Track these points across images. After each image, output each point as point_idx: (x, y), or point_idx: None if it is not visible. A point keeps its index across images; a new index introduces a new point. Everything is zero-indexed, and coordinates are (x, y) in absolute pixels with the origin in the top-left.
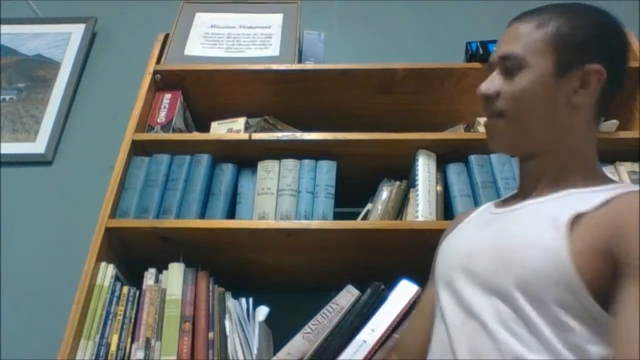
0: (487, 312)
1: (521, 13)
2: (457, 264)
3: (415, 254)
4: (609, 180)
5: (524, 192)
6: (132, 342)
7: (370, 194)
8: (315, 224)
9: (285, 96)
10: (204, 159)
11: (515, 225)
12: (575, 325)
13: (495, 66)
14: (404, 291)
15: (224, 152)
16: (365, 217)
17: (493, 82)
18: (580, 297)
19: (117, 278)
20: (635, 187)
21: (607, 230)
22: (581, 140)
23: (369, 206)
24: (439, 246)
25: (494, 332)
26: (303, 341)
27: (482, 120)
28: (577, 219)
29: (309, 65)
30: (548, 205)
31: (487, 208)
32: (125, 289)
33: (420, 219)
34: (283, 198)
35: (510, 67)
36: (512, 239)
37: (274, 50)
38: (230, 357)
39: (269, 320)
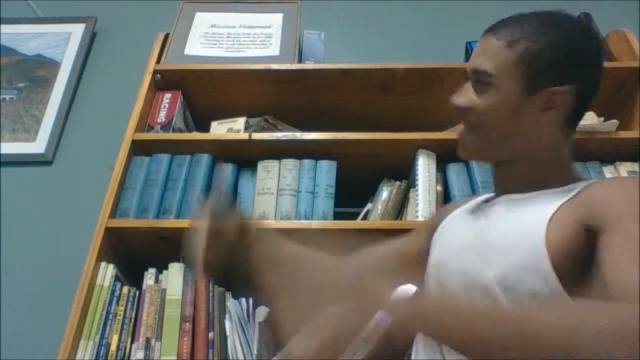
0: None
1: (498, 22)
2: (447, 256)
3: None
4: (573, 173)
5: (502, 192)
6: (132, 342)
7: (370, 194)
8: (315, 224)
9: (285, 96)
10: (204, 158)
11: (495, 220)
12: None
13: (469, 76)
14: (403, 291)
15: (224, 152)
16: (365, 217)
17: (465, 95)
18: (552, 287)
19: (117, 278)
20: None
21: (581, 211)
22: (553, 148)
23: (369, 206)
24: (432, 221)
25: None
26: None
27: None
28: (554, 212)
29: (308, 65)
30: (528, 201)
31: (475, 202)
32: (125, 289)
33: (420, 218)
34: (283, 198)
35: (481, 81)
36: (493, 234)
37: (274, 50)
38: (230, 357)
39: (268, 320)
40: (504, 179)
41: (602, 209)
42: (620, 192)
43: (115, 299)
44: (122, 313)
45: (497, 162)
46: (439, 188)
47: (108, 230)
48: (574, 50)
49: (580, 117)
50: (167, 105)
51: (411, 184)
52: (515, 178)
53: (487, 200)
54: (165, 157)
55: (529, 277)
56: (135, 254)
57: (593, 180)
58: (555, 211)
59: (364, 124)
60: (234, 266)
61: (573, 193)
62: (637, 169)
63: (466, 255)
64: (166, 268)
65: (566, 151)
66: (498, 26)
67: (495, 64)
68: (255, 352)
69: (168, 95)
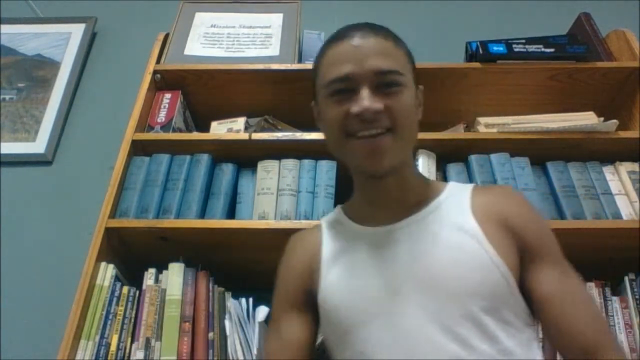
0: (441, 341)
1: (355, 26)
2: (378, 301)
3: None
4: (434, 181)
5: (386, 208)
6: (132, 342)
7: None
8: (315, 224)
9: (285, 96)
10: (204, 158)
11: (423, 245)
12: (520, 324)
13: (364, 79)
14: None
15: (224, 152)
16: None
17: (375, 99)
18: (515, 295)
19: (117, 278)
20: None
21: (513, 230)
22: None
23: None
24: (287, 273)
25: (456, 355)
26: None
27: (483, 120)
28: (481, 227)
29: (309, 65)
30: (436, 218)
31: (350, 229)
32: (125, 289)
33: None
34: (283, 198)
35: (389, 82)
36: (438, 261)
37: (274, 50)
38: (230, 357)
39: (269, 320)
40: (385, 193)
41: (541, 240)
42: (544, 223)
43: (115, 299)
44: (122, 313)
45: (392, 169)
46: None
47: (108, 230)
48: None
49: None
50: (167, 105)
51: None
52: (395, 189)
53: (364, 218)
54: (165, 157)
55: (502, 292)
56: (135, 254)
57: (465, 185)
58: (480, 226)
59: None
60: None
61: (466, 203)
62: (637, 169)
63: (415, 290)
64: (166, 268)
65: None
66: (371, 29)
67: (399, 62)
68: (255, 352)
69: (168, 95)
